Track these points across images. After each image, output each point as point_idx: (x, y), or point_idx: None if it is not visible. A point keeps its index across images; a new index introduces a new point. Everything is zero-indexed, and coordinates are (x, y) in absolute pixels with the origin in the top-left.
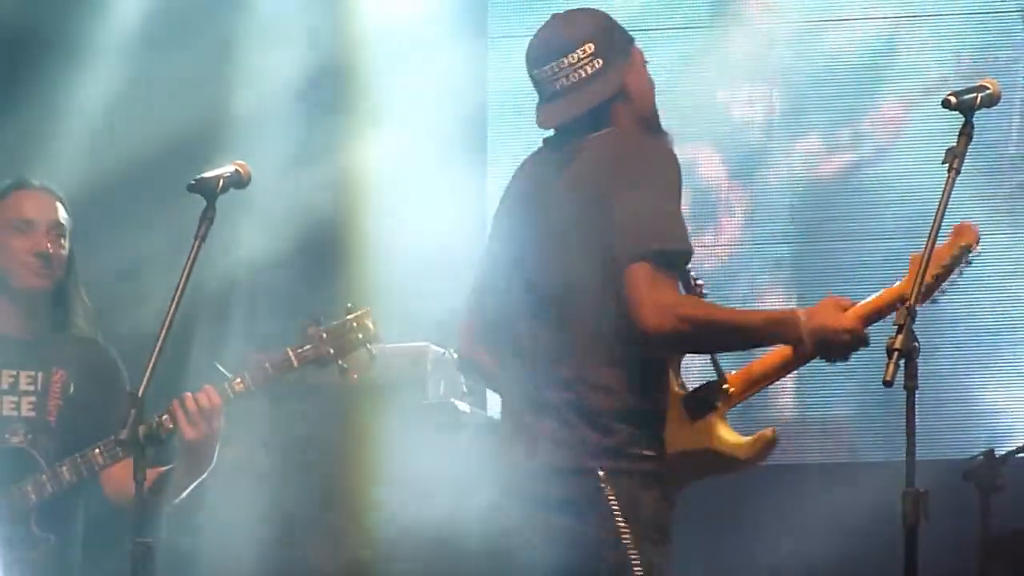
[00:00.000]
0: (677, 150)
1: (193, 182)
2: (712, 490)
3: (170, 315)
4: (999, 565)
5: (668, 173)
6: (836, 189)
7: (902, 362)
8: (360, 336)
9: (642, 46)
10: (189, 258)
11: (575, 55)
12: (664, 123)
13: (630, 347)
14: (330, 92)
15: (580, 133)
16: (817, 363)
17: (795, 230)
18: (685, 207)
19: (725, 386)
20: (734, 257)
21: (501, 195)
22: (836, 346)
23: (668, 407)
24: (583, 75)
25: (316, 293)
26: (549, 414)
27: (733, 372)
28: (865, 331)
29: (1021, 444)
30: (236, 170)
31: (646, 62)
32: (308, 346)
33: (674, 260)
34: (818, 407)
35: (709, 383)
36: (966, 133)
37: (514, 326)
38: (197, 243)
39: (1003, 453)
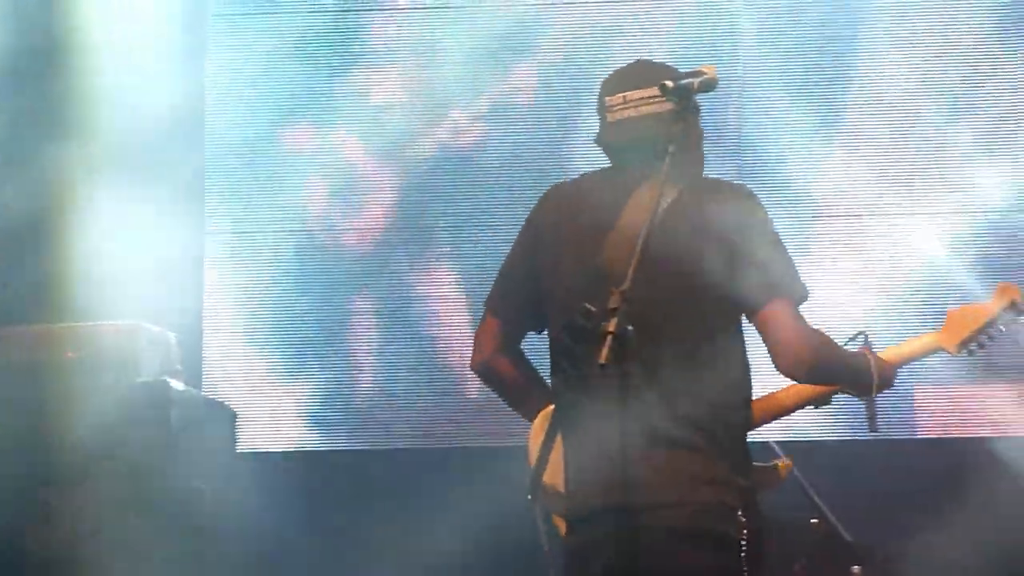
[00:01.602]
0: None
1: None
2: None
3: None
4: None
5: (771, 220)
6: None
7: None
8: None
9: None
10: None
11: (644, 92)
12: None
13: (727, 374)
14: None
15: (647, 164)
16: None
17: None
18: None
19: None
20: None
21: (537, 212)
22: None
23: None
24: (647, 111)
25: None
26: (665, 446)
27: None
28: None
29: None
30: None
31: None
32: None
33: (803, 300)
34: None
35: None
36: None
37: (588, 350)
38: None
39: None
